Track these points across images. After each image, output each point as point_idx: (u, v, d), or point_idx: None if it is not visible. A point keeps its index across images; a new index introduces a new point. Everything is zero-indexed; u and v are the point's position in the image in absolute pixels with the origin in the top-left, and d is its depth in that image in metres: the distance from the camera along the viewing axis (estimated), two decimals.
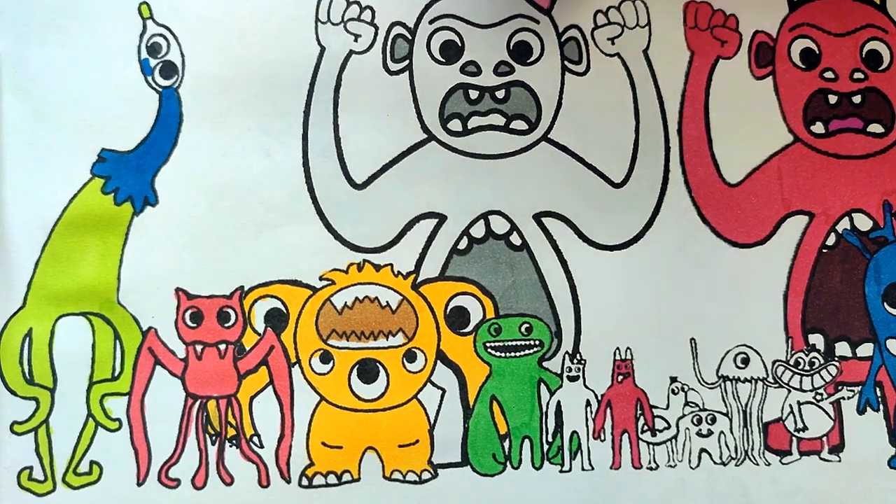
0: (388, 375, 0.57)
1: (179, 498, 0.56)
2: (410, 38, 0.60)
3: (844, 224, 0.60)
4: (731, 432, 0.58)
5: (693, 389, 0.58)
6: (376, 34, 0.60)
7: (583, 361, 0.58)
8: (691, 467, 0.57)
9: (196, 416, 0.56)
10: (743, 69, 0.61)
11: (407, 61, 0.60)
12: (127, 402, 0.56)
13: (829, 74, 0.61)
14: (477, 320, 0.58)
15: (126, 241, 0.57)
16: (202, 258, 0.57)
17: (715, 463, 0.57)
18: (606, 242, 0.59)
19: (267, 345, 0.57)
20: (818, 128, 0.60)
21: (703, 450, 0.57)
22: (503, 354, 0.58)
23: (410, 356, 0.57)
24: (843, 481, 0.58)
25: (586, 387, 0.58)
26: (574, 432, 0.57)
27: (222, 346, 0.57)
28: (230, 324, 0.57)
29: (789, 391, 0.58)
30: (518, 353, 0.58)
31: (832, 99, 0.61)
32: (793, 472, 0.57)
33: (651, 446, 0.57)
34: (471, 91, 0.59)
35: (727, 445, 0.58)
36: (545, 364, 0.58)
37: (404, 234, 0.58)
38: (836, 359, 0.59)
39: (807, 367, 0.58)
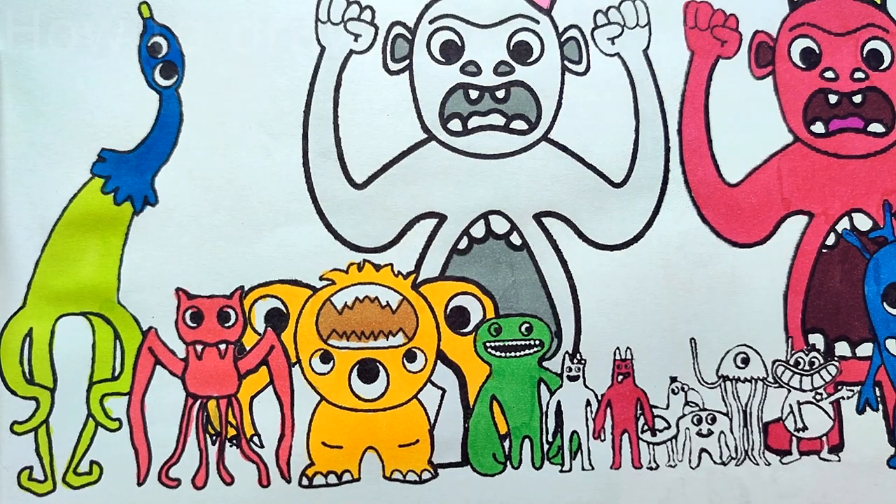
0: (388, 375, 0.57)
1: (180, 498, 0.56)
2: (410, 37, 0.60)
3: (844, 224, 0.60)
4: (732, 432, 0.58)
5: (693, 389, 0.58)
6: (376, 34, 0.60)
7: (583, 361, 0.58)
8: (691, 467, 0.57)
9: (196, 416, 0.56)
10: (743, 69, 0.61)
11: (407, 61, 0.60)
12: (127, 401, 0.56)
13: (829, 74, 0.61)
14: (477, 320, 0.58)
15: (126, 240, 0.57)
16: (202, 258, 0.57)
17: (715, 463, 0.57)
18: (606, 242, 0.59)
19: (267, 345, 0.57)
20: (818, 127, 0.60)
21: (703, 450, 0.57)
22: (503, 354, 0.58)
23: (410, 356, 0.57)
24: (843, 481, 0.58)
25: (586, 386, 0.58)
26: (574, 432, 0.57)
27: (222, 346, 0.57)
28: (230, 324, 0.57)
29: (789, 391, 0.58)
30: (518, 353, 0.58)
31: (832, 99, 0.61)
32: (793, 472, 0.57)
33: (651, 446, 0.58)
34: (471, 91, 0.59)
35: (727, 445, 0.58)
36: (545, 364, 0.58)
37: (404, 233, 0.58)
38: (836, 358, 0.59)
39: (807, 367, 0.58)
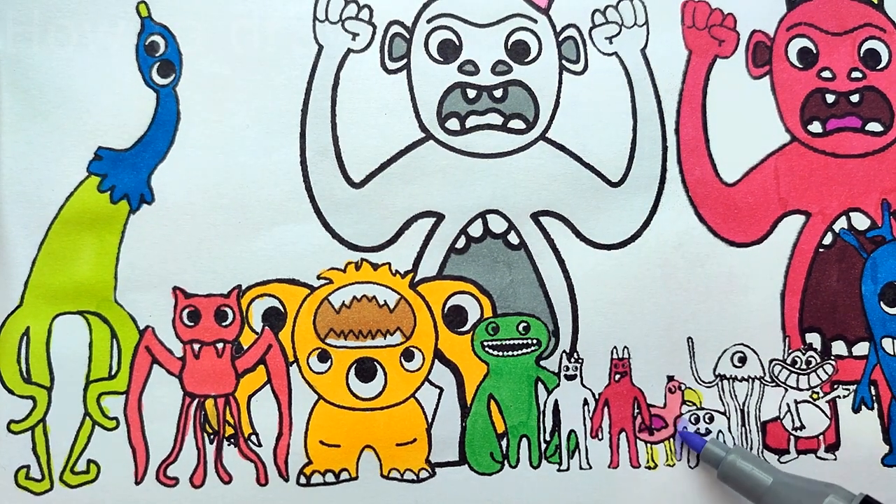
0: (385, 374, 0.57)
1: (178, 496, 0.56)
2: (408, 36, 0.60)
3: (841, 223, 0.60)
4: (730, 431, 0.58)
5: (690, 388, 0.58)
6: (374, 33, 0.60)
7: (580, 360, 0.58)
8: (690, 466, 0.57)
9: (194, 415, 0.56)
10: (740, 68, 0.61)
11: (405, 60, 0.60)
12: (124, 400, 0.56)
13: (826, 74, 0.61)
14: (475, 319, 0.58)
15: (122, 239, 0.57)
16: (199, 257, 0.57)
17: None
18: (604, 241, 0.59)
19: (265, 344, 0.57)
20: (815, 127, 0.60)
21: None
22: (501, 353, 0.58)
23: (408, 355, 0.57)
24: (839, 479, 0.57)
25: (584, 386, 0.58)
26: (572, 431, 0.57)
27: (220, 345, 0.57)
28: (228, 322, 0.57)
29: (786, 390, 0.58)
30: (515, 352, 0.58)
31: (829, 98, 0.61)
32: (791, 470, 0.57)
33: (649, 445, 0.58)
34: (469, 90, 0.59)
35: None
36: (542, 363, 0.58)
37: (402, 232, 0.58)
38: (833, 358, 0.59)
39: (803, 366, 0.58)
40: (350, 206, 0.58)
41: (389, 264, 0.58)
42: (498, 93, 0.59)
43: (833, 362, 0.59)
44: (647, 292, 0.58)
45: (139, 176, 0.57)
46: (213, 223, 0.57)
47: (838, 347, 0.59)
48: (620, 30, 0.61)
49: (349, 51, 0.59)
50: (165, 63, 0.58)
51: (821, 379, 0.59)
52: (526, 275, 0.58)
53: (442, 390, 0.57)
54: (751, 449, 0.58)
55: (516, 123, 0.59)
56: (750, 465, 0.54)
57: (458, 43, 0.60)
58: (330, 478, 0.56)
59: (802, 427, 0.58)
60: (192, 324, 0.57)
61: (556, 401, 0.57)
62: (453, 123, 0.59)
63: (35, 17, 0.58)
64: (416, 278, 0.58)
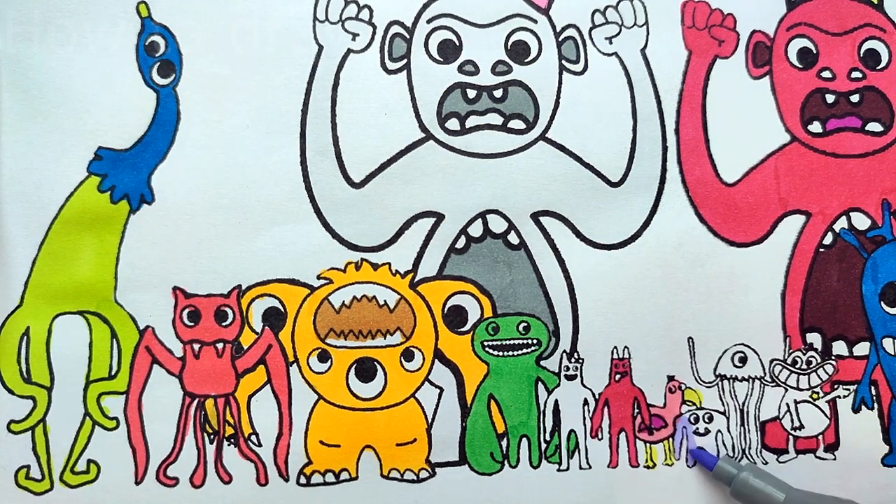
0: (385, 374, 0.57)
1: (178, 496, 0.56)
2: (408, 37, 0.60)
3: (842, 223, 0.60)
4: (729, 431, 0.58)
5: (690, 388, 0.58)
6: (374, 33, 0.60)
7: (580, 360, 0.58)
8: (688, 466, 0.57)
9: (194, 415, 0.56)
10: (740, 69, 0.61)
11: (405, 60, 0.60)
12: (124, 400, 0.56)
13: (826, 74, 0.61)
14: (475, 319, 0.58)
15: (122, 239, 0.57)
16: (199, 257, 0.57)
17: None
18: (604, 241, 0.59)
19: (265, 344, 0.57)
20: (815, 127, 0.60)
21: (700, 448, 0.58)
22: (501, 353, 0.58)
23: (408, 355, 0.57)
24: (839, 479, 0.58)
25: (584, 385, 0.58)
26: (572, 431, 0.57)
27: (220, 345, 0.57)
28: (228, 323, 0.57)
29: (786, 390, 0.58)
30: (516, 352, 0.58)
31: (829, 98, 0.61)
32: (790, 470, 0.57)
33: (648, 445, 0.58)
34: (469, 90, 0.59)
35: (724, 444, 0.58)
36: (543, 363, 0.58)
37: (402, 232, 0.58)
38: (833, 358, 0.59)
39: (804, 366, 0.58)
40: (350, 206, 0.58)
41: (389, 264, 0.58)
42: (498, 93, 0.59)
43: (833, 362, 0.59)
44: (647, 292, 0.58)
45: (139, 176, 0.58)
46: (213, 223, 0.57)
47: (839, 347, 0.59)
48: (620, 30, 0.61)
49: (349, 51, 0.59)
50: (165, 63, 0.58)
51: (821, 379, 0.59)
52: (526, 275, 0.58)
53: (442, 390, 0.57)
54: (749, 448, 0.58)
55: (516, 123, 0.59)
56: (762, 482, 0.54)
57: (458, 43, 0.60)
58: (330, 478, 0.56)
59: (801, 427, 0.58)
60: (192, 324, 0.57)
61: (556, 401, 0.57)
62: (453, 123, 0.59)
63: (35, 17, 0.58)
64: (416, 278, 0.58)
